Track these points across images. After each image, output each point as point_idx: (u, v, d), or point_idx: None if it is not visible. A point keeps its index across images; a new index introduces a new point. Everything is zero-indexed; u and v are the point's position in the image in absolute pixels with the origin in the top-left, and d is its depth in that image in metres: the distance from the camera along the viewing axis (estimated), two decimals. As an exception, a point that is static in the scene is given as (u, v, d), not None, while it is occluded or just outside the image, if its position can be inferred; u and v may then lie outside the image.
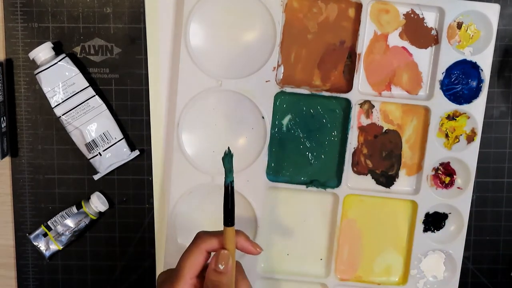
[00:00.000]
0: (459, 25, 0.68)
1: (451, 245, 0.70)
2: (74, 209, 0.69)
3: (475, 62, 0.67)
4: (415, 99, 0.69)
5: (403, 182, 0.70)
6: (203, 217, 0.71)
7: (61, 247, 0.70)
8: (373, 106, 0.69)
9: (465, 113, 0.68)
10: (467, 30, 0.68)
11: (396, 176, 0.70)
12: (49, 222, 0.69)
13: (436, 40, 0.68)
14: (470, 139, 0.69)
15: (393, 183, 0.70)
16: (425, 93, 0.69)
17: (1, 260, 0.72)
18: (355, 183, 0.70)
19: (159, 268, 0.72)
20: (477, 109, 0.68)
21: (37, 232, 0.70)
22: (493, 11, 0.66)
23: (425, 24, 0.68)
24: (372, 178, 0.70)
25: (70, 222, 0.69)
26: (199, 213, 0.70)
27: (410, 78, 0.69)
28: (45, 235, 0.69)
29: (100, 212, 0.70)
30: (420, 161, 0.69)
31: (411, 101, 0.68)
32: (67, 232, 0.69)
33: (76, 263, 0.72)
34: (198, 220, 0.70)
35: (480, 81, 0.68)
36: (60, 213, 0.69)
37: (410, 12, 0.68)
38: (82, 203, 0.69)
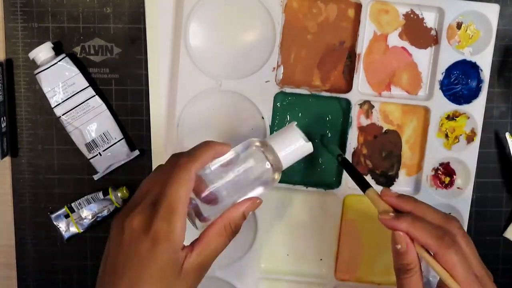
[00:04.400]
0: (459, 25, 0.68)
1: (451, 245, 0.70)
2: (100, 194, 0.69)
3: (475, 62, 0.67)
4: (415, 99, 0.69)
5: (403, 182, 0.70)
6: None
7: (81, 231, 0.70)
8: (373, 106, 0.69)
9: (465, 113, 0.68)
10: (466, 30, 0.68)
11: (396, 176, 0.70)
12: (72, 204, 0.69)
13: (435, 40, 0.68)
14: (470, 139, 0.69)
15: (393, 183, 0.70)
16: (424, 93, 0.69)
17: (1, 260, 0.72)
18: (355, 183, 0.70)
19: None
20: (477, 109, 0.68)
21: (59, 212, 0.70)
22: (492, 11, 0.66)
23: (424, 24, 0.68)
24: (372, 178, 0.70)
25: (94, 207, 0.69)
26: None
27: (410, 78, 0.69)
28: (67, 216, 0.69)
29: (124, 201, 0.70)
30: (420, 161, 0.69)
31: (411, 101, 0.68)
32: (89, 217, 0.69)
33: (76, 263, 0.72)
34: (198, 220, 0.70)
35: (479, 81, 0.68)
36: (85, 197, 0.69)
37: (409, 12, 0.68)
38: (109, 190, 0.69)
